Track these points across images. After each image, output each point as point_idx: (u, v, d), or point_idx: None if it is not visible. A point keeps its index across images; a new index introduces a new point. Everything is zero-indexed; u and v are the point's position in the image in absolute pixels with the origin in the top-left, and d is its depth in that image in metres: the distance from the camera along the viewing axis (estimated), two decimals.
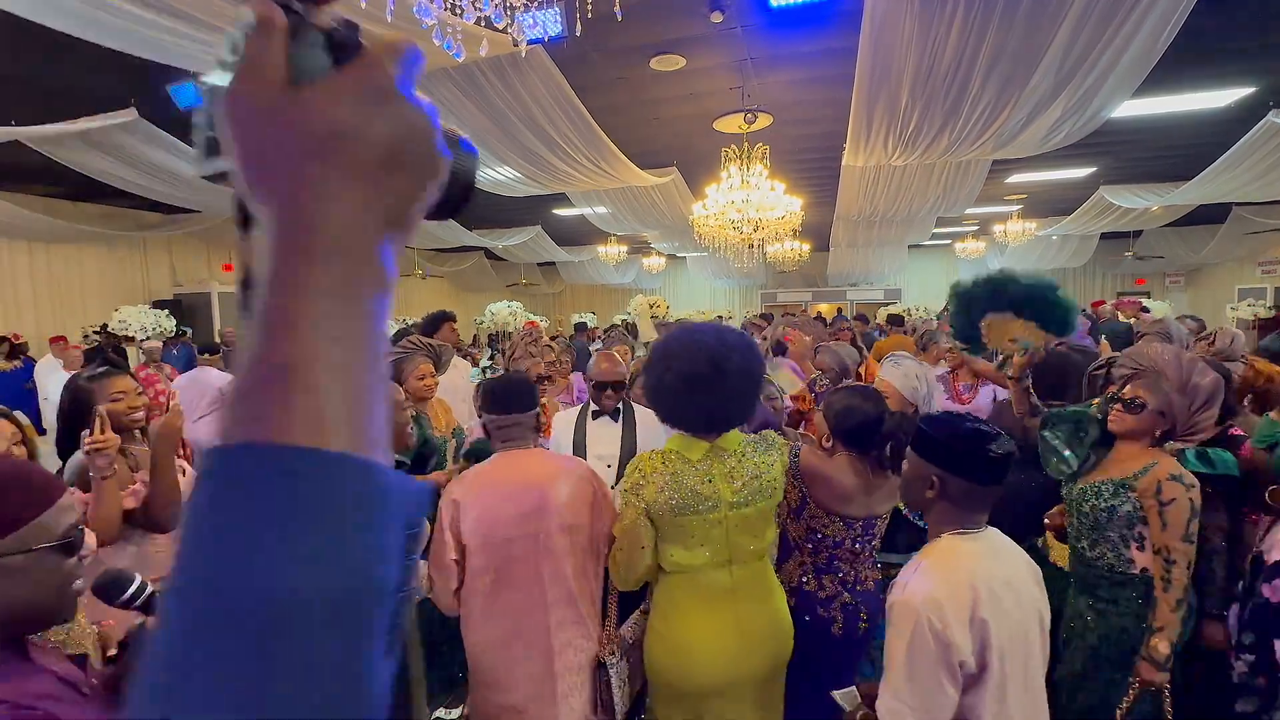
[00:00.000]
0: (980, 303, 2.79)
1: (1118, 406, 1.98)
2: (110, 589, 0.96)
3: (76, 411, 1.93)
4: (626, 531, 1.75)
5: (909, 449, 1.47)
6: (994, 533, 1.43)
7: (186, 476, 2.13)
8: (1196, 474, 1.92)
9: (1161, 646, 1.77)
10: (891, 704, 1.26)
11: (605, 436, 2.69)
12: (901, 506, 2.16)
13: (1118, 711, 1.81)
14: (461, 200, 0.40)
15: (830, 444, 2.05)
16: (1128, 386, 2.00)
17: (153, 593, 1.02)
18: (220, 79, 0.33)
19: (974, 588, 1.28)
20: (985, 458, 1.34)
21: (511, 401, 1.87)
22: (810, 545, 2.04)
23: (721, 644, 1.75)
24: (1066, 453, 2.14)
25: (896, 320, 8.81)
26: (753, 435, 1.91)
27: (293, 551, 0.25)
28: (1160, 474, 1.87)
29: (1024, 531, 2.24)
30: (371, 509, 0.27)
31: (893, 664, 1.28)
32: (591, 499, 1.89)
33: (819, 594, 2.00)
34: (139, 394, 2.05)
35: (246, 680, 0.23)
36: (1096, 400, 2.19)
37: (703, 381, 1.66)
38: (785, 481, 1.91)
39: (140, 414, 2.04)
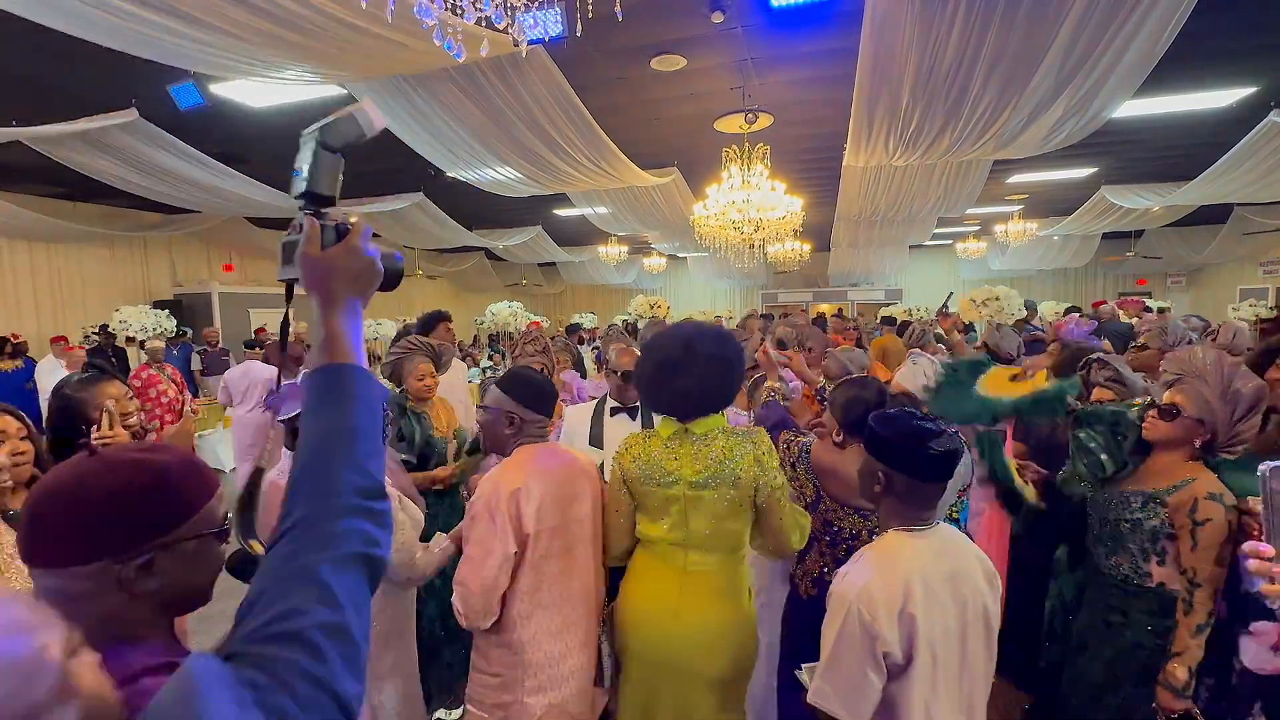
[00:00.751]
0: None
1: (1153, 412, 1.86)
2: (248, 567, 0.99)
3: (64, 419, 1.90)
4: (610, 497, 1.92)
5: (863, 445, 1.50)
6: (944, 529, 1.45)
7: None
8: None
9: (1179, 673, 1.67)
10: (820, 686, 1.35)
11: (625, 434, 2.65)
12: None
13: None
14: (395, 281, 0.91)
15: (841, 437, 2.08)
16: (1166, 392, 1.88)
17: None
18: (288, 238, 0.87)
19: (907, 584, 1.32)
20: (926, 455, 1.36)
21: (547, 402, 1.91)
22: (828, 538, 2.07)
23: (660, 620, 1.80)
24: (1104, 457, 2.00)
25: (889, 320, 8.81)
26: (737, 428, 1.90)
27: (349, 401, 0.78)
28: (1198, 491, 1.73)
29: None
30: (369, 386, 0.81)
31: (825, 649, 1.35)
32: (600, 489, 1.98)
33: None
34: (129, 398, 2.02)
35: (340, 453, 0.75)
36: (1138, 402, 2.09)
37: (673, 365, 1.77)
38: (779, 479, 1.84)
39: (133, 419, 2.01)
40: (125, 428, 1.96)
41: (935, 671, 1.33)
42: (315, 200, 0.87)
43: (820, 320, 8.49)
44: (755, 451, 1.79)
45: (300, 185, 0.87)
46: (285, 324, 0.96)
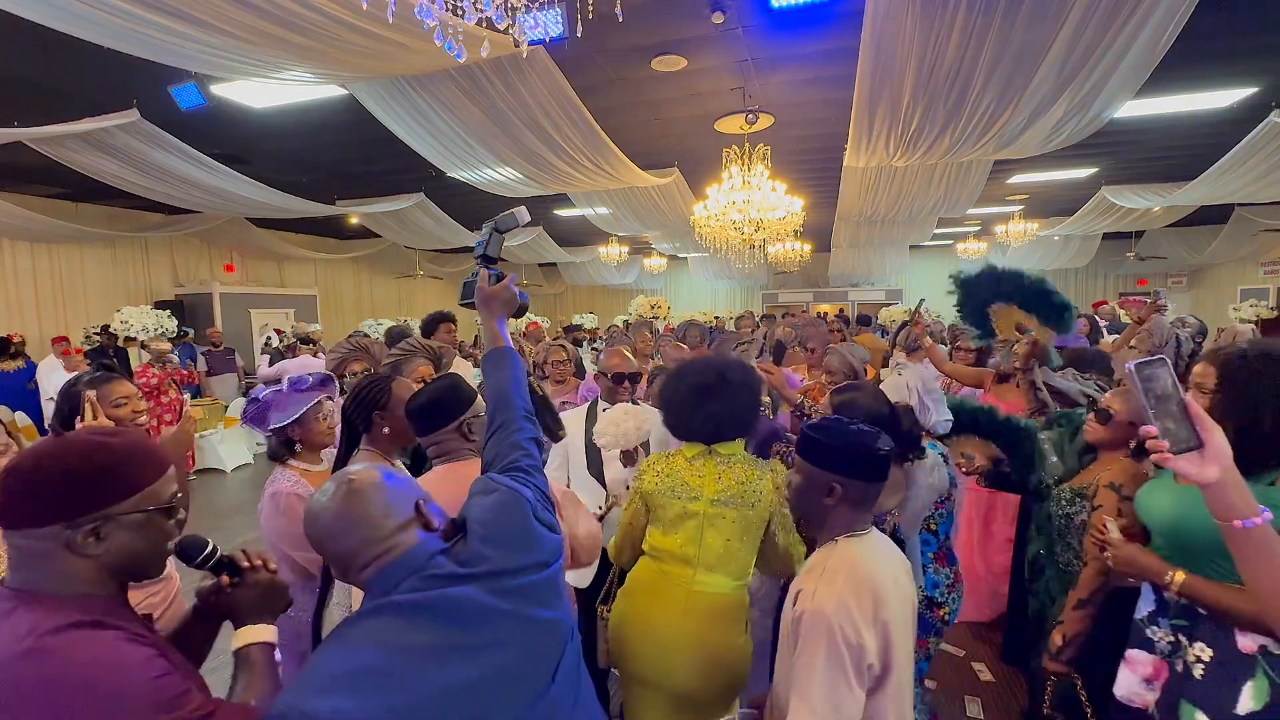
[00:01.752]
0: (984, 289, 2.89)
1: (1091, 416, 2.02)
2: (190, 550, 1.10)
3: (74, 415, 1.93)
4: (632, 515, 1.95)
5: (799, 458, 1.46)
6: (875, 531, 1.46)
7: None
8: None
9: (1055, 638, 1.81)
10: (799, 706, 1.25)
11: None
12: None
13: (1043, 704, 1.84)
14: (523, 311, 1.50)
15: None
16: (1105, 396, 2.04)
17: (222, 556, 1.14)
18: (469, 278, 1.50)
19: (874, 589, 1.30)
20: (877, 456, 1.38)
21: (434, 417, 1.67)
22: None
23: (660, 636, 1.80)
24: (1053, 458, 2.19)
25: (864, 320, 8.78)
26: (757, 459, 1.96)
27: (509, 365, 1.40)
28: (1102, 479, 1.87)
29: None
30: (517, 358, 1.43)
31: (808, 673, 1.25)
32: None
33: None
34: (140, 398, 2.09)
35: (508, 405, 1.36)
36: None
37: (707, 389, 1.89)
38: (788, 508, 1.88)
39: (143, 418, 2.07)
40: (135, 426, 2.03)
41: (902, 679, 1.33)
42: (487, 260, 1.47)
43: (821, 319, 8.49)
44: (774, 479, 1.86)
45: (480, 249, 1.48)
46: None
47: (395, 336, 4.35)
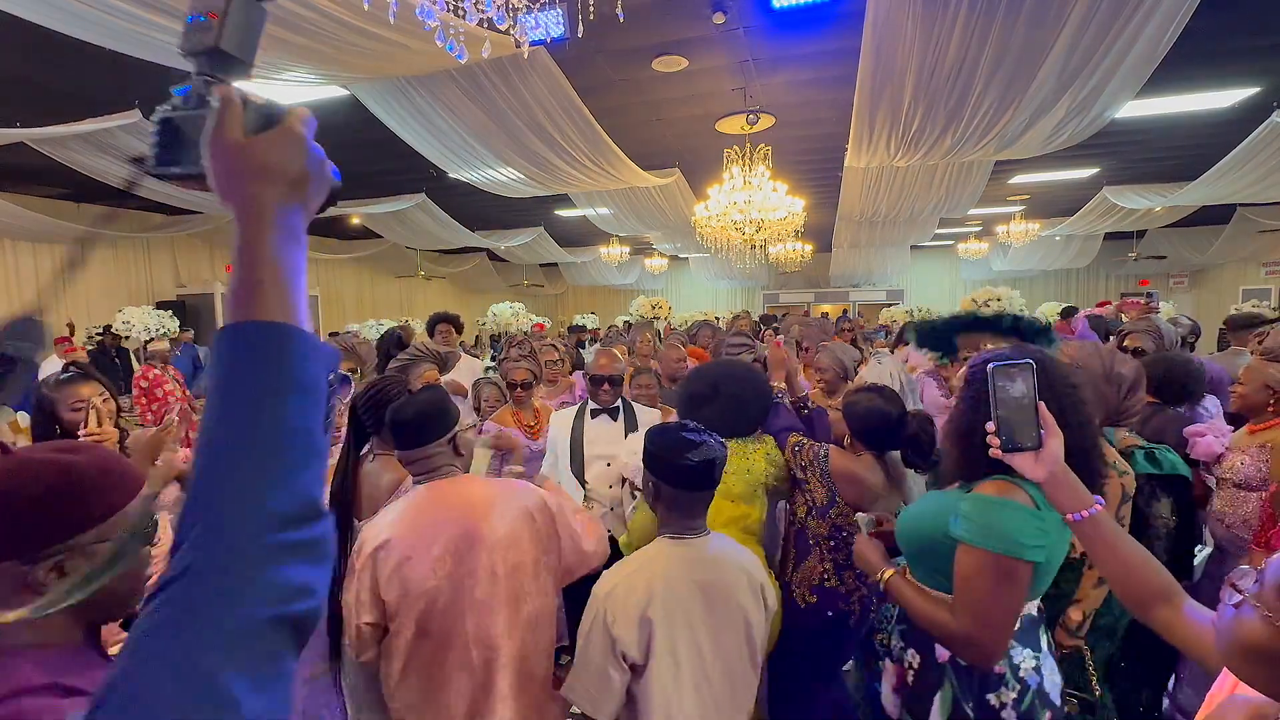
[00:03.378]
0: (950, 329, 2.55)
1: None
2: None
3: (40, 414, 1.96)
4: (643, 529, 1.94)
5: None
6: (714, 539, 1.51)
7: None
8: (1146, 474, 1.99)
9: (1073, 614, 1.83)
10: (571, 682, 1.42)
11: (605, 435, 2.70)
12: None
13: None
14: (332, 201, 0.63)
15: (849, 443, 2.13)
16: None
17: None
18: (172, 112, 0.59)
19: (650, 590, 1.39)
20: (685, 466, 1.42)
21: (423, 431, 1.56)
22: (833, 542, 2.09)
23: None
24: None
25: (767, 320, 8.79)
26: (751, 437, 2.24)
27: (279, 380, 0.50)
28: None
29: None
30: (309, 356, 0.52)
31: (585, 646, 1.42)
32: (536, 534, 1.54)
33: (840, 589, 2.07)
34: (104, 400, 2.02)
35: (264, 415, 0.49)
36: None
37: (703, 399, 2.17)
38: (810, 481, 2.10)
39: (108, 422, 2.01)
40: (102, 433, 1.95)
41: (679, 673, 1.40)
42: (224, 63, 0.58)
43: (824, 318, 8.50)
44: (763, 447, 2.19)
45: (206, 37, 0.56)
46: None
47: (391, 341, 4.32)
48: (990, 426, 1.07)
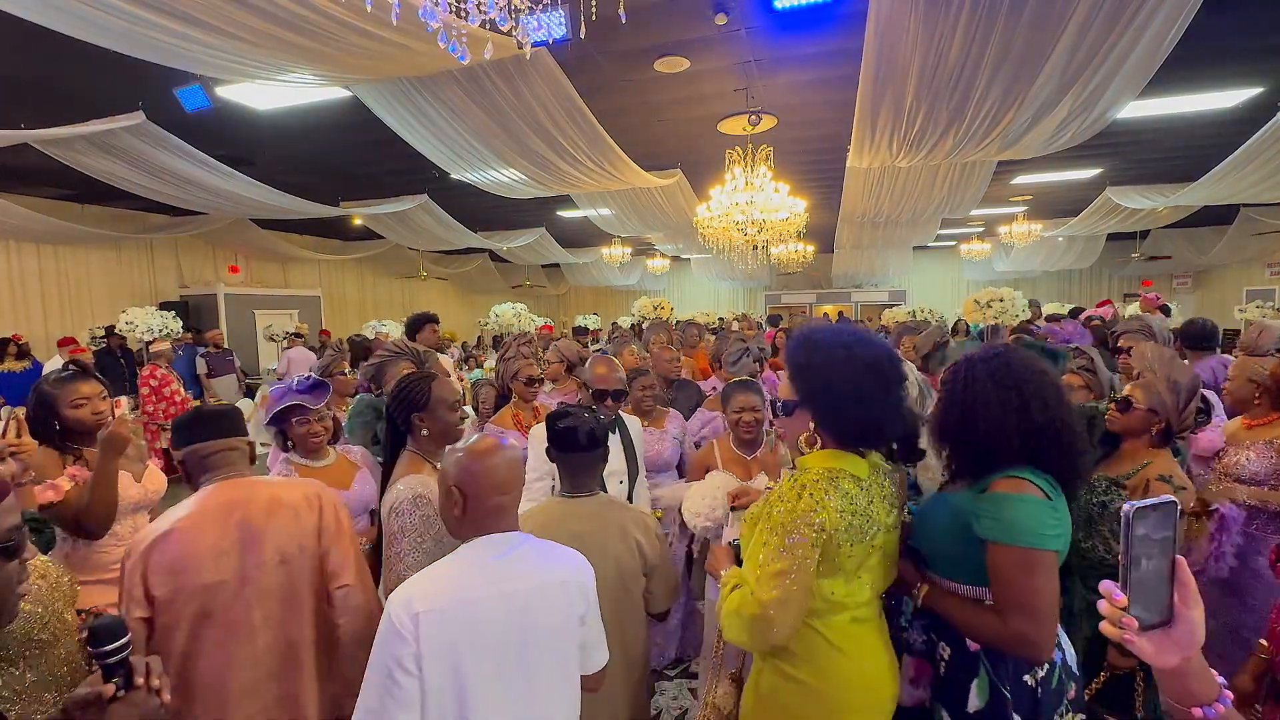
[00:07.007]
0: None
1: (1113, 406, 2.07)
2: (103, 635, 0.96)
3: (40, 411, 1.99)
4: (797, 571, 1.28)
5: None
6: (603, 499, 1.85)
7: (141, 483, 2.12)
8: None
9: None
10: None
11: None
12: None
13: (1086, 691, 1.82)
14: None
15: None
16: (1126, 386, 2.10)
17: (126, 657, 0.98)
18: None
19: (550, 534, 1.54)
20: (555, 430, 1.78)
21: (212, 427, 1.61)
22: None
23: (889, 681, 1.44)
24: None
25: (774, 320, 8.71)
26: None
27: None
28: (1151, 473, 1.92)
29: None
30: None
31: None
32: (318, 526, 1.60)
33: None
34: (103, 398, 2.05)
35: None
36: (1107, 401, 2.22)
37: (886, 379, 1.36)
38: None
39: (105, 418, 2.05)
40: (97, 426, 1.99)
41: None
42: None
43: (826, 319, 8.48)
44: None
45: None
46: None
47: (356, 346, 4.37)
48: (1121, 600, 0.75)
